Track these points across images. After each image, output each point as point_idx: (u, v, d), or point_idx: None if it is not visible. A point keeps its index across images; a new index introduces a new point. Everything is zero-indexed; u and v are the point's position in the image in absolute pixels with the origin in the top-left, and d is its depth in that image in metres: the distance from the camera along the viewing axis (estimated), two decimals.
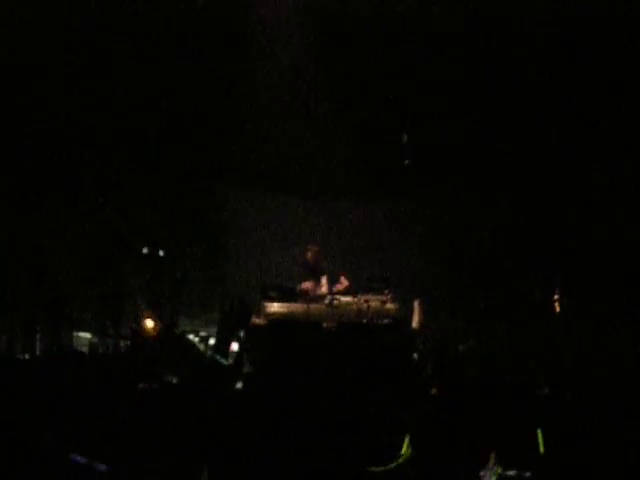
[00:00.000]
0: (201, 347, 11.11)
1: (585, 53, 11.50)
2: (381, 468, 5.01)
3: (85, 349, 10.91)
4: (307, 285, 11.03)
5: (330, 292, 10.87)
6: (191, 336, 11.28)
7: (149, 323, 10.59)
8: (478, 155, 12.71)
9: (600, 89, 11.55)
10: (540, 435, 3.98)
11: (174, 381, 7.20)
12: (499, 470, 3.80)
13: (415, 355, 9.93)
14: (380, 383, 6.94)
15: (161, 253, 11.76)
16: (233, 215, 13.50)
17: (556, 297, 11.53)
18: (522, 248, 12.46)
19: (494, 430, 4.36)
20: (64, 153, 12.08)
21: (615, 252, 11.66)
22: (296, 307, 10.42)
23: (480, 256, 12.89)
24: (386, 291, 10.63)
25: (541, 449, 4.00)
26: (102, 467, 4.43)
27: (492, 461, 3.90)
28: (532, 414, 4.68)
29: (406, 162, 11.78)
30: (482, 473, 3.92)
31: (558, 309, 11.67)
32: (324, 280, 11.17)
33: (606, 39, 11.14)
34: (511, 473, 3.87)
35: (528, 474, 3.96)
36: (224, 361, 7.04)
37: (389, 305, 10.55)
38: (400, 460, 5.09)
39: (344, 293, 10.82)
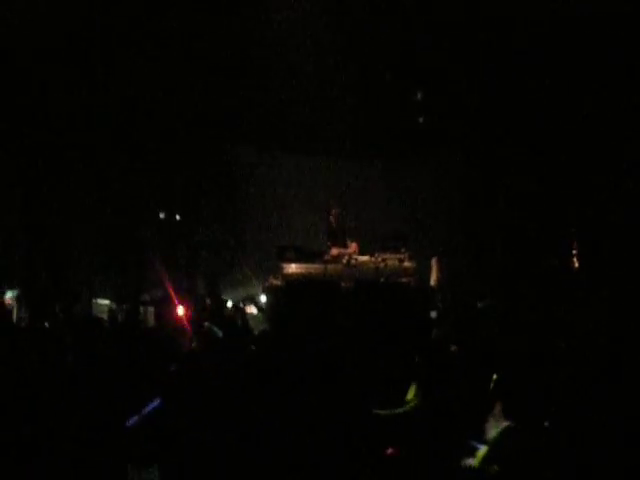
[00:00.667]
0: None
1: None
2: (387, 412, 5.01)
3: (105, 316, 10.95)
4: (336, 251, 10.80)
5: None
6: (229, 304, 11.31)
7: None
8: (497, 114, 12.57)
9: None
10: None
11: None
12: (503, 422, 3.77)
13: (433, 313, 9.91)
14: (396, 340, 6.91)
15: (178, 218, 11.77)
16: (249, 178, 13.48)
17: (574, 258, 11.48)
18: (540, 208, 12.35)
19: (504, 386, 4.32)
20: (80, 124, 12.06)
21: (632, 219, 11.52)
22: (313, 267, 10.38)
23: (499, 215, 12.81)
24: (403, 249, 10.57)
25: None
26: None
27: (498, 409, 3.87)
28: (545, 375, 4.64)
29: (420, 120, 11.71)
30: (487, 425, 3.88)
31: (576, 268, 11.61)
32: (354, 246, 10.94)
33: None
34: (513, 425, 3.84)
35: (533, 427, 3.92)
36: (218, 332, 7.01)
37: (407, 263, 10.49)
38: (407, 407, 5.09)
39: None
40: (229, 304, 11.51)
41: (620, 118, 11.04)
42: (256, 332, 8.82)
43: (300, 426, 4.33)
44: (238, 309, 10.97)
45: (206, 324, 7.36)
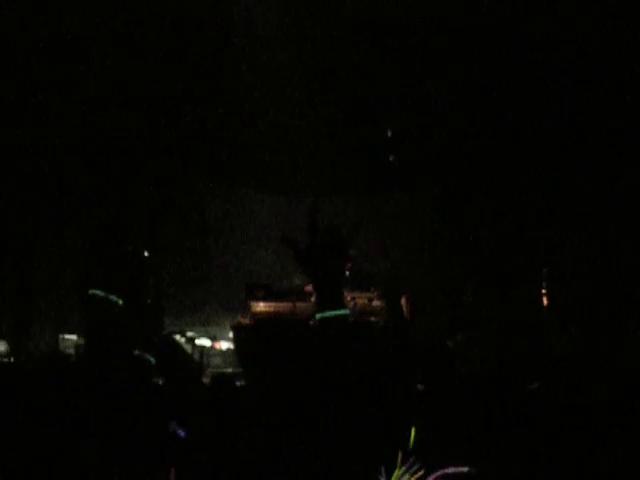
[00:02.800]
0: (188, 348, 11.06)
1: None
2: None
3: (71, 351, 10.85)
4: (309, 288, 10.76)
5: None
6: (177, 337, 11.23)
7: None
8: (466, 150, 12.65)
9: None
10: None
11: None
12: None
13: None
14: (368, 381, 6.88)
15: (146, 253, 11.67)
16: (217, 215, 13.45)
17: (543, 291, 11.52)
18: (509, 242, 12.42)
19: (485, 425, 4.32)
20: (48, 154, 11.99)
21: (603, 247, 11.63)
22: (282, 306, 10.36)
23: (467, 251, 12.86)
24: (372, 288, 10.58)
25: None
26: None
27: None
28: (522, 410, 4.65)
29: (391, 158, 11.74)
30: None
31: (546, 303, 11.66)
32: None
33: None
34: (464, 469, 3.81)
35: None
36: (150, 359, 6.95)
37: (376, 302, 10.50)
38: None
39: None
40: (198, 341, 11.47)
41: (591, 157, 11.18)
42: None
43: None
44: (190, 340, 10.98)
45: (136, 352, 7.31)
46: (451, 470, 3.57)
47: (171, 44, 11.74)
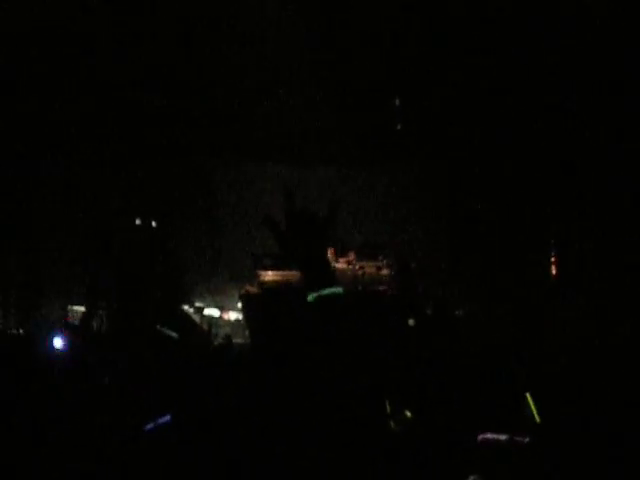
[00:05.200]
0: (196, 318, 11.09)
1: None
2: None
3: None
4: None
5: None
6: (186, 307, 11.26)
7: None
8: (474, 118, 12.57)
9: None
10: (530, 401, 3.91)
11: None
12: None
13: (411, 321, 9.87)
14: (374, 349, 6.87)
15: (154, 224, 11.69)
16: (225, 187, 13.44)
17: (552, 261, 11.50)
18: (519, 213, 12.37)
19: (488, 395, 4.29)
20: (56, 126, 11.99)
21: (611, 217, 11.57)
22: (290, 274, 10.34)
23: (477, 221, 12.82)
24: (381, 257, 10.57)
25: (536, 418, 3.93)
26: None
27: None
28: (527, 381, 4.61)
29: (399, 126, 11.68)
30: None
31: (555, 273, 11.64)
32: (331, 251, 10.89)
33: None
34: (504, 437, 3.79)
35: (525, 439, 3.88)
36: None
37: (384, 271, 10.49)
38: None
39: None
40: (206, 311, 11.50)
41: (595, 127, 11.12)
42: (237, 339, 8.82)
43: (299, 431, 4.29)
44: (199, 310, 11.02)
45: (158, 327, 7.29)
46: (491, 436, 3.58)
47: (170, 20, 11.70)
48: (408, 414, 5.02)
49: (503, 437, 3.83)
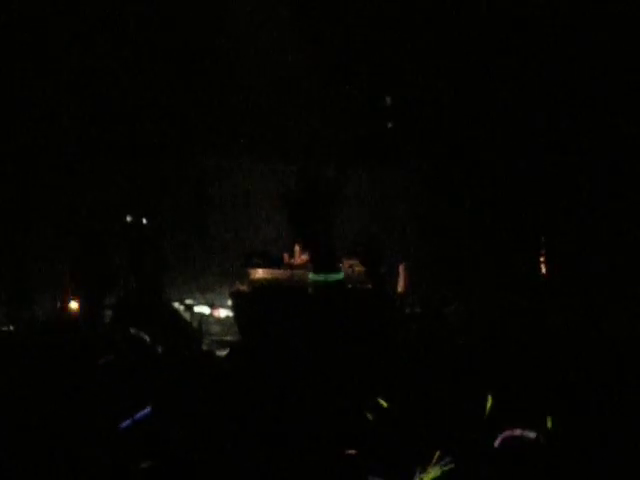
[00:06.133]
0: (186, 315, 11.12)
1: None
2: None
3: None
4: (286, 257, 10.80)
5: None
6: (176, 304, 11.29)
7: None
8: (464, 118, 12.63)
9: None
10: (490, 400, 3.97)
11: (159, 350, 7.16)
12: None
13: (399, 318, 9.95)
14: (362, 346, 6.93)
15: (144, 221, 11.70)
16: (215, 184, 13.47)
17: (542, 260, 11.54)
18: (508, 212, 12.43)
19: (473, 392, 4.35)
20: (44, 125, 12.00)
21: (601, 216, 11.64)
22: (280, 273, 10.39)
23: (466, 220, 12.87)
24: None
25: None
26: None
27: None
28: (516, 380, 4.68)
29: (389, 125, 11.71)
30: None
31: (544, 272, 11.68)
32: (296, 248, 10.93)
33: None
34: (531, 434, 3.82)
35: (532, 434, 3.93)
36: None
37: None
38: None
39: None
40: (196, 309, 11.52)
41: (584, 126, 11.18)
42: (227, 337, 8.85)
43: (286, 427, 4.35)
44: (189, 307, 11.05)
45: (132, 330, 7.30)
46: (518, 432, 3.62)
47: (160, 18, 11.73)
48: (383, 403, 5.07)
49: (530, 434, 3.84)
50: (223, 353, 7.48)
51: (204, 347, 9.70)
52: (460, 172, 13.01)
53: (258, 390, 4.87)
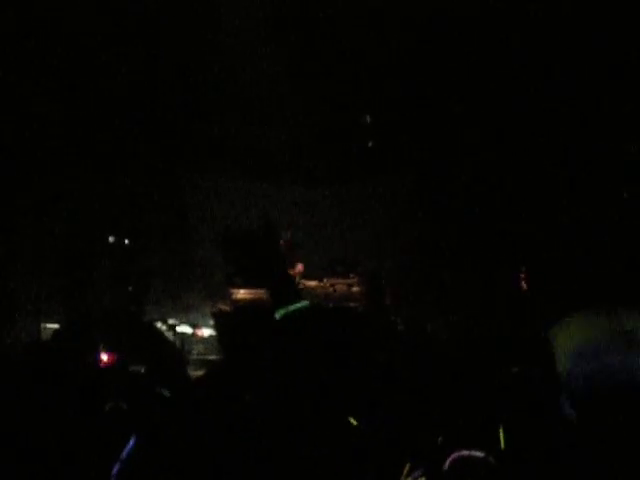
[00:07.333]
0: (169, 335, 11.13)
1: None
2: None
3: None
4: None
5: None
6: (159, 324, 11.29)
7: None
8: (444, 136, 12.69)
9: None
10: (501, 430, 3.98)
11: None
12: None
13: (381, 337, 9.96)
14: (346, 366, 6.96)
15: (127, 242, 11.73)
16: (197, 204, 13.49)
17: (523, 276, 11.60)
18: (488, 229, 12.48)
19: (459, 410, 4.37)
20: (26, 143, 11.96)
21: (579, 231, 11.69)
22: (261, 292, 10.39)
23: (447, 237, 12.92)
24: (352, 274, 10.65)
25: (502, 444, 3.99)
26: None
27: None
28: (497, 398, 4.69)
29: (370, 144, 11.77)
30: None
31: (526, 287, 11.74)
32: (300, 267, 10.94)
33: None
34: (479, 454, 3.84)
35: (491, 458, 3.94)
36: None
37: (355, 288, 10.58)
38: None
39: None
40: (179, 328, 11.53)
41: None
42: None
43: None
44: (171, 327, 11.07)
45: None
46: (466, 453, 3.63)
47: (148, 33, 11.72)
48: (353, 421, 5.09)
49: (478, 454, 3.88)
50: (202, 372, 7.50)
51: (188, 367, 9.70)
52: (440, 189, 13.07)
53: (242, 409, 4.87)
